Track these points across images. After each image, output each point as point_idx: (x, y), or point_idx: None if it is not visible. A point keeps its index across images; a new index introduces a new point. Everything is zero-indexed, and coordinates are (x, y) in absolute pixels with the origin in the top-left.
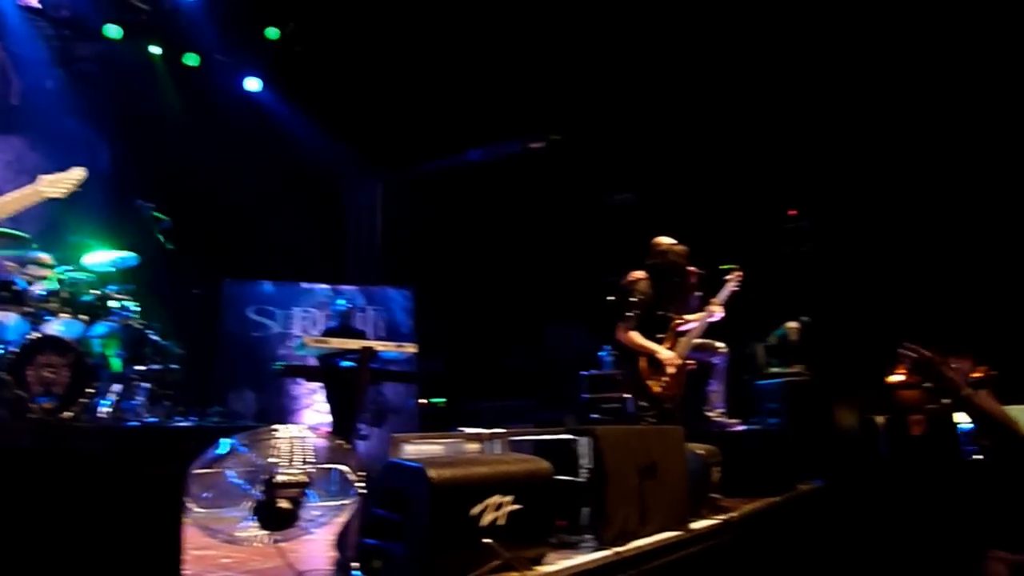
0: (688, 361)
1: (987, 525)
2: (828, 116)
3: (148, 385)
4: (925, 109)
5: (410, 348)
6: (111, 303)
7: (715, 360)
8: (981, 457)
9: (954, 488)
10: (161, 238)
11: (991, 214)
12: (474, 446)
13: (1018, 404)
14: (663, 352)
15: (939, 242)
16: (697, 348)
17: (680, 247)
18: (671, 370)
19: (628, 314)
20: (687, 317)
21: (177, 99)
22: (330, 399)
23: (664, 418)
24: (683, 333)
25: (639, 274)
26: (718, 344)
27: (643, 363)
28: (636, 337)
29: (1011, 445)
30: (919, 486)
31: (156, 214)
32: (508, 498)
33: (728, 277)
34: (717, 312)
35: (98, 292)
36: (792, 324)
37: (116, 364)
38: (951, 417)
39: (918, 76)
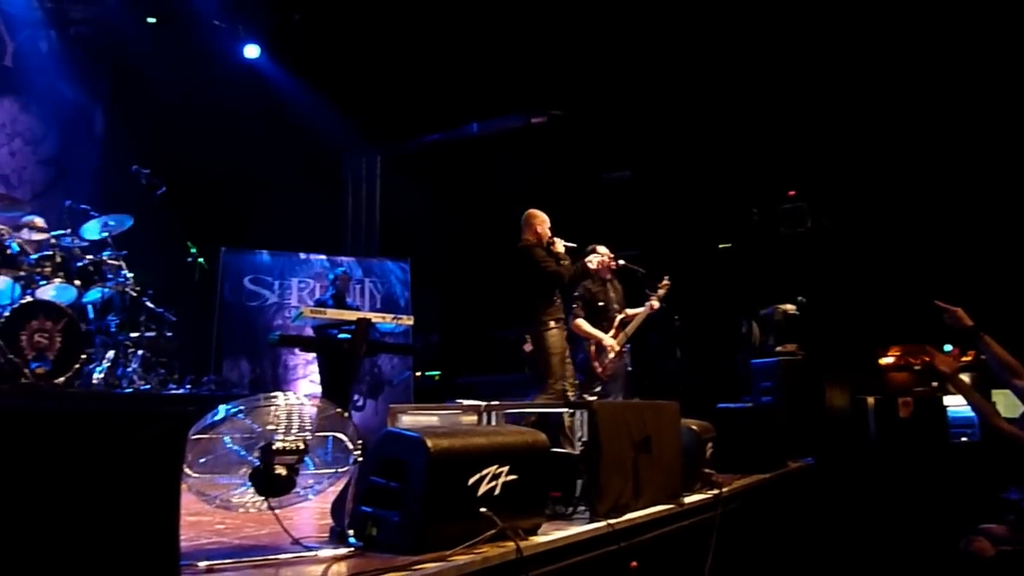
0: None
1: (973, 506)
2: (828, 98)
3: (142, 352)
4: (927, 95)
5: (406, 320)
6: (105, 269)
7: None
8: (967, 440)
9: (940, 470)
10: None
11: (987, 197)
12: (470, 418)
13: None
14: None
15: (935, 226)
16: None
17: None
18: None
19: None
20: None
21: (174, 65)
22: (323, 370)
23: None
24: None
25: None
26: None
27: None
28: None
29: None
30: (907, 468)
31: (152, 180)
32: (504, 468)
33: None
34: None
35: (92, 257)
36: (788, 304)
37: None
38: (940, 400)
39: (921, 57)
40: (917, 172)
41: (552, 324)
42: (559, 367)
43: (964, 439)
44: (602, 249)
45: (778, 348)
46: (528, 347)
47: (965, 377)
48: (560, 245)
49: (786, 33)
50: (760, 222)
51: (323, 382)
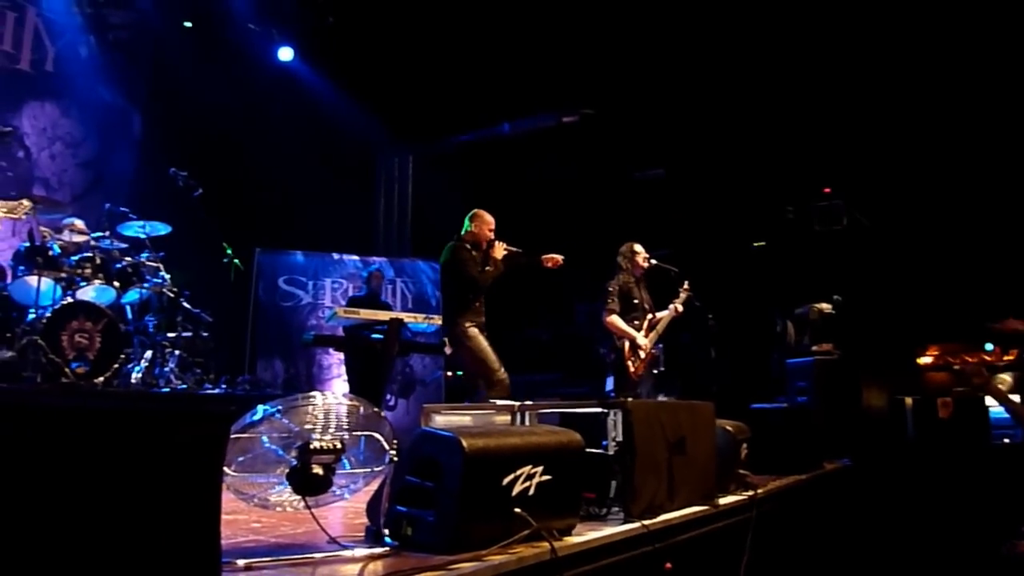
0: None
1: (1016, 509)
2: (862, 94)
3: (179, 352)
4: (962, 93)
5: (438, 320)
6: (143, 270)
7: None
8: (1009, 441)
9: (981, 472)
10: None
11: None
12: (504, 418)
13: None
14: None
15: (973, 224)
16: None
17: None
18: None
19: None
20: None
21: (210, 68)
22: (352, 369)
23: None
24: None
25: None
26: None
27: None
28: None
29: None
30: (946, 470)
31: (189, 182)
32: (539, 469)
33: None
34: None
35: (131, 259)
36: (823, 303)
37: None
38: (982, 401)
39: (961, 52)
40: (954, 168)
41: (468, 324)
42: (494, 358)
43: (1006, 440)
44: (638, 247)
45: (814, 347)
46: (448, 350)
47: (1007, 377)
48: (500, 249)
49: (822, 29)
50: (795, 220)
51: (351, 381)
